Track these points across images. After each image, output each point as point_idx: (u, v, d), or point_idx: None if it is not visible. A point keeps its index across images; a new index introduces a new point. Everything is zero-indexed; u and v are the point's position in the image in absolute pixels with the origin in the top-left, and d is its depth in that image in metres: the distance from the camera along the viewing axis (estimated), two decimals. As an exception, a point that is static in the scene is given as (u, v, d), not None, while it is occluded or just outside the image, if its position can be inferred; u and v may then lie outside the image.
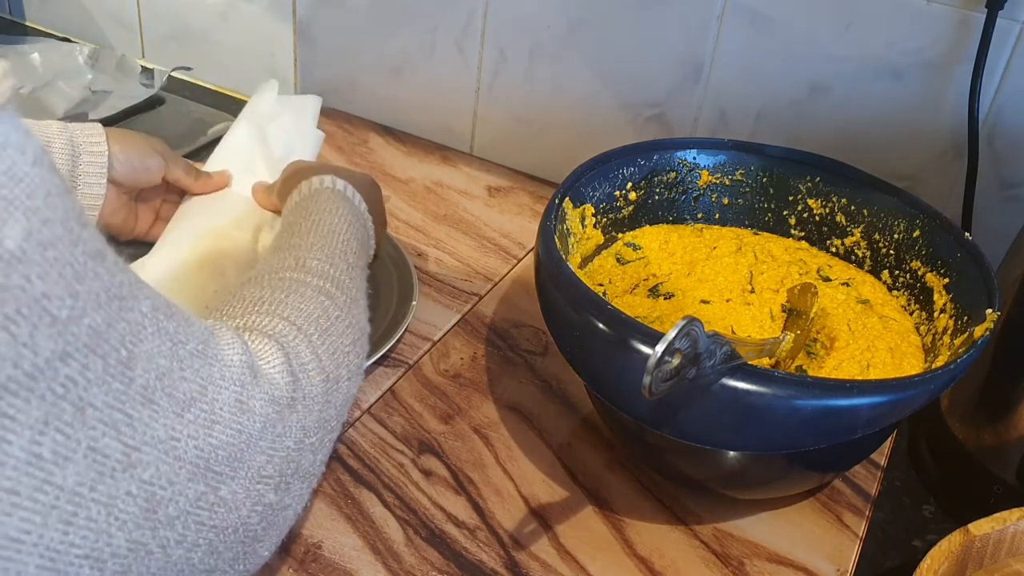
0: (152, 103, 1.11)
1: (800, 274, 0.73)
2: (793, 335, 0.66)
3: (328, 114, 1.14)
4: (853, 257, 0.75)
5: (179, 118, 1.11)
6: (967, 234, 0.67)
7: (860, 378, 0.63)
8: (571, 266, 0.62)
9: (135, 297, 0.38)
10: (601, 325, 0.55)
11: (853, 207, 0.74)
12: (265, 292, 0.54)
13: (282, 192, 0.72)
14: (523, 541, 0.64)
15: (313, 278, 0.56)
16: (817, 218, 0.76)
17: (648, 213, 0.77)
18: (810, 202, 0.76)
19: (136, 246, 0.78)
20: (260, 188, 0.79)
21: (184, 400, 0.40)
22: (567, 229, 0.69)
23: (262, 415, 0.45)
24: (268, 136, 0.83)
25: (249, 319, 0.51)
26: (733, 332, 0.67)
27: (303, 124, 0.85)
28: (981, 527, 0.60)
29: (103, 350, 0.36)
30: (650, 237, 0.76)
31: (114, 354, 0.36)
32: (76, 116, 1.01)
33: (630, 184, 0.75)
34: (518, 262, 0.91)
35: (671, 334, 0.46)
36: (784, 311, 0.69)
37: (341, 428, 0.53)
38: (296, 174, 0.72)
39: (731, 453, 0.61)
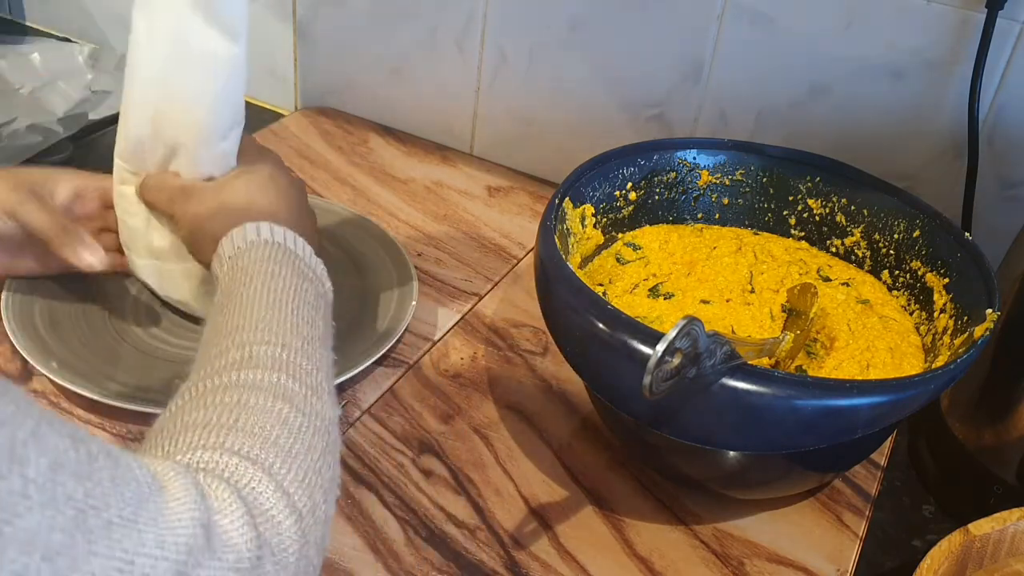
0: (152, 103, 1.11)
1: (800, 274, 0.73)
2: (793, 335, 0.66)
3: (328, 114, 1.14)
4: (853, 257, 0.75)
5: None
6: (967, 234, 0.67)
7: (860, 378, 0.63)
8: (571, 266, 0.62)
9: (14, 458, 0.30)
10: (601, 325, 0.55)
11: (853, 207, 0.74)
12: (210, 414, 0.44)
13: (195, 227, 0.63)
14: (523, 541, 0.64)
15: (264, 374, 0.47)
16: (817, 218, 0.76)
17: (648, 213, 0.77)
18: (810, 202, 0.76)
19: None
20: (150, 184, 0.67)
21: None
22: (567, 229, 0.69)
23: None
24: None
25: (194, 456, 0.42)
26: (733, 332, 0.67)
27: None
28: (981, 527, 0.60)
29: None
30: (650, 237, 0.76)
31: None
32: (76, 116, 1.01)
33: (630, 184, 0.75)
34: (518, 262, 0.91)
35: (672, 333, 0.46)
36: (784, 311, 0.69)
37: (324, 556, 0.45)
38: (215, 213, 0.63)
39: (731, 453, 0.61)
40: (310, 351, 0.52)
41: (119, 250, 0.73)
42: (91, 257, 0.69)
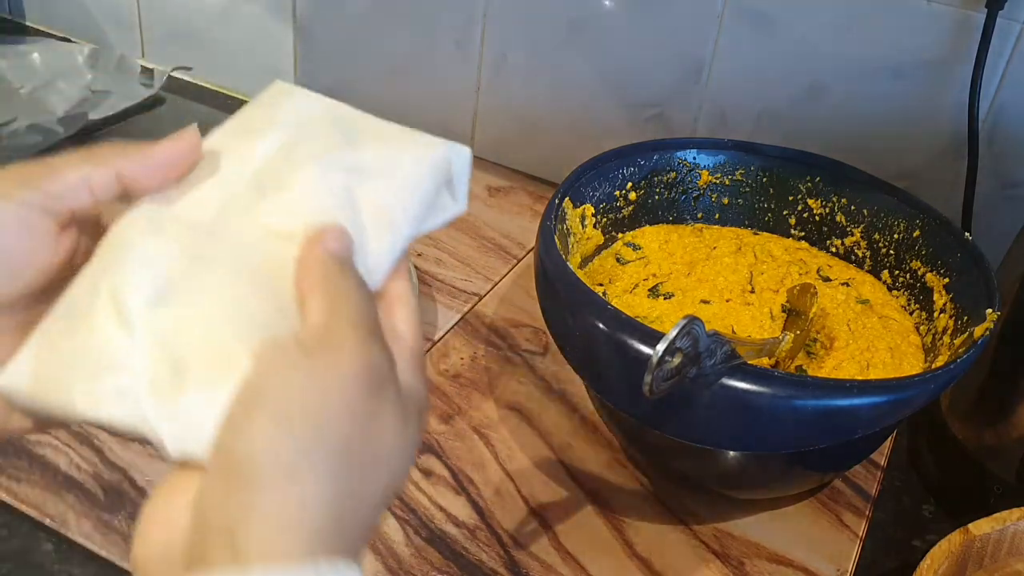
0: (152, 103, 1.11)
1: (800, 274, 0.73)
2: (793, 335, 0.66)
3: (328, 114, 1.14)
4: (853, 257, 0.75)
5: (179, 118, 1.11)
6: (967, 234, 0.67)
7: (860, 378, 0.63)
8: (571, 266, 0.62)
9: None
10: (601, 325, 0.55)
11: (853, 207, 0.74)
12: None
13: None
14: (523, 541, 0.64)
15: None
16: (817, 218, 0.76)
17: (648, 213, 0.77)
18: (810, 202, 0.76)
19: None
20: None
21: None
22: (567, 229, 0.69)
23: None
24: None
25: None
26: (733, 332, 0.67)
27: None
28: (981, 527, 0.60)
29: None
30: (650, 237, 0.76)
31: None
32: (76, 116, 1.01)
33: (630, 184, 0.75)
34: (518, 262, 0.91)
35: (673, 333, 0.46)
36: (784, 311, 0.69)
37: None
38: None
39: (731, 453, 0.61)
40: None
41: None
42: None
